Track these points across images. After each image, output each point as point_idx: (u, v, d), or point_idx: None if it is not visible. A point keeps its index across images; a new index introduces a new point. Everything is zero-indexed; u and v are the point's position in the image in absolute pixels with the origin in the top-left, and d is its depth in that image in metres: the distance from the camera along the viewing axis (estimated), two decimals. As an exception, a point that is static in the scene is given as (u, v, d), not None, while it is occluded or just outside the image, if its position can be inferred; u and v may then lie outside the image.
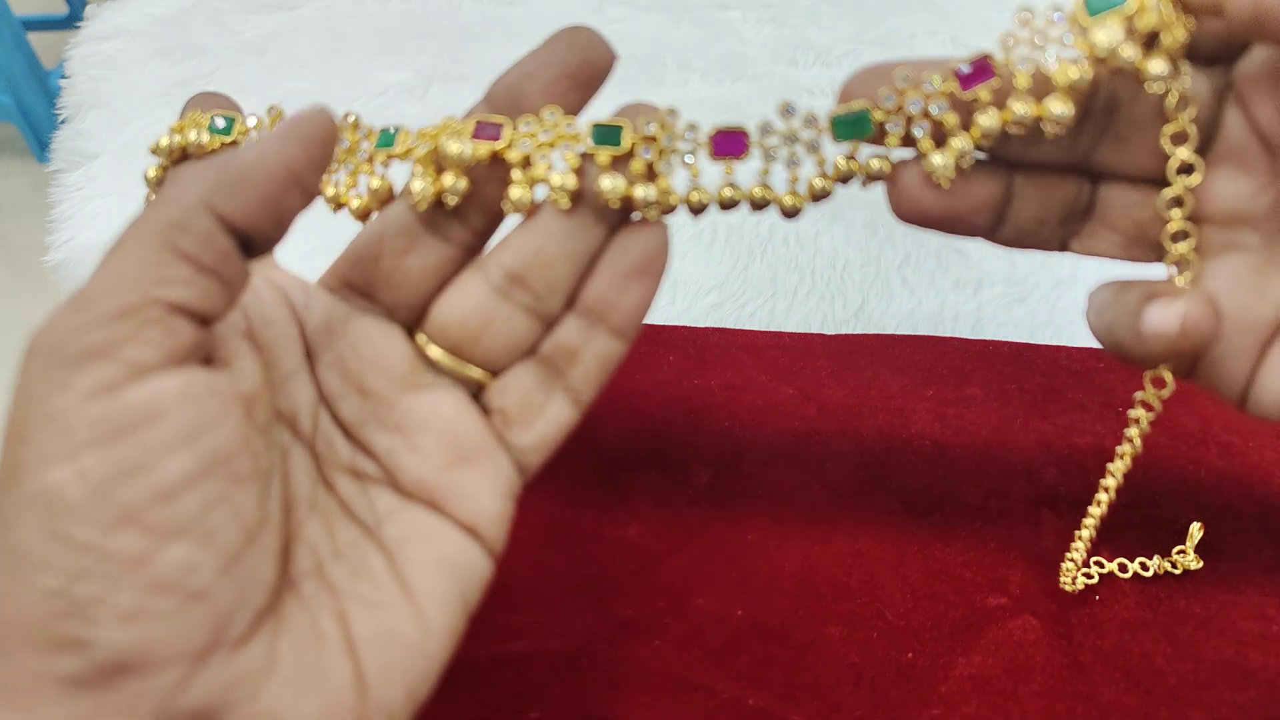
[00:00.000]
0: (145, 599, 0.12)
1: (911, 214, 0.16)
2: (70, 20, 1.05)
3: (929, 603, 0.26)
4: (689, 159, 0.16)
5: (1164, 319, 0.16)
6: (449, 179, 0.15)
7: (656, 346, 0.33)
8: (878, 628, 0.26)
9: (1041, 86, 0.15)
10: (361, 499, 0.15)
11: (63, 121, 0.44)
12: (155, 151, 0.18)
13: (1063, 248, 0.18)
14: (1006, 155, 0.16)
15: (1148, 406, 0.20)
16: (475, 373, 0.16)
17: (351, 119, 0.17)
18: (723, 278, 0.37)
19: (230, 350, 0.14)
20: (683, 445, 0.30)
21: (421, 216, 0.16)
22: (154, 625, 0.12)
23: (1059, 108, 0.15)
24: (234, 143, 0.17)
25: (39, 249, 0.39)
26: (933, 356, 0.33)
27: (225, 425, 0.13)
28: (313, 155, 0.13)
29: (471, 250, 0.16)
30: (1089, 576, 0.27)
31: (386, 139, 0.16)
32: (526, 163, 0.16)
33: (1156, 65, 0.15)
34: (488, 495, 0.16)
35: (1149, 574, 0.27)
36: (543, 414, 0.16)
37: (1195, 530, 0.27)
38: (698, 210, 0.16)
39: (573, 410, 0.16)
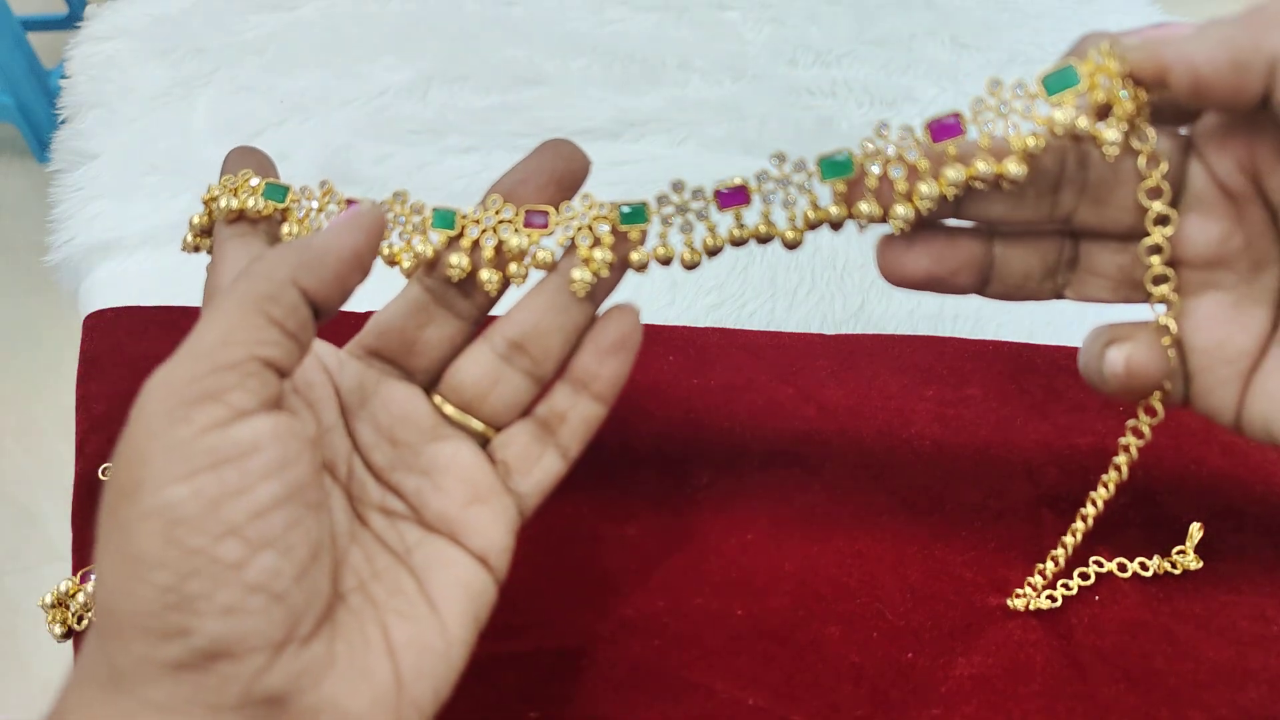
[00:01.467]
0: (240, 597, 0.14)
1: (899, 278, 0.19)
2: (70, 20, 1.05)
3: (929, 602, 0.26)
4: (700, 218, 0.19)
5: (1113, 361, 0.19)
6: (513, 267, 0.19)
7: (656, 346, 0.33)
8: (878, 627, 0.26)
9: (1003, 149, 0.17)
10: (392, 532, 0.18)
11: (63, 121, 0.44)
12: (206, 202, 0.21)
13: (1057, 296, 0.20)
14: (990, 220, 0.19)
15: (1138, 434, 0.21)
16: (479, 426, 0.20)
17: (405, 195, 0.20)
18: (722, 278, 0.37)
19: (296, 403, 0.17)
20: (683, 445, 0.30)
21: (434, 296, 0.19)
22: (245, 619, 0.14)
23: (1014, 168, 0.17)
24: (286, 209, 0.20)
25: (39, 249, 0.39)
26: (933, 356, 0.33)
27: (302, 461, 0.16)
28: (371, 243, 0.17)
29: (475, 322, 0.20)
30: (1052, 596, 0.26)
31: (443, 220, 0.19)
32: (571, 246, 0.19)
33: (1110, 133, 0.17)
34: (497, 530, 0.19)
35: (1149, 574, 0.27)
36: (538, 464, 0.20)
37: (1195, 530, 0.27)
38: (714, 253, 0.19)
39: (562, 463, 0.20)
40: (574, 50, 0.47)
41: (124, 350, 0.33)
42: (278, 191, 0.20)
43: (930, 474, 0.29)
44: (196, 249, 0.22)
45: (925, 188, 0.18)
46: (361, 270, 0.17)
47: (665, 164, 0.42)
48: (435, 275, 0.19)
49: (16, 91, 0.95)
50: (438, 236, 0.19)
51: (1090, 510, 0.24)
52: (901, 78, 0.48)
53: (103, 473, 0.29)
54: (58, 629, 0.26)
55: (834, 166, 0.18)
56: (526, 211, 0.19)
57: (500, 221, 0.19)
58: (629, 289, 0.37)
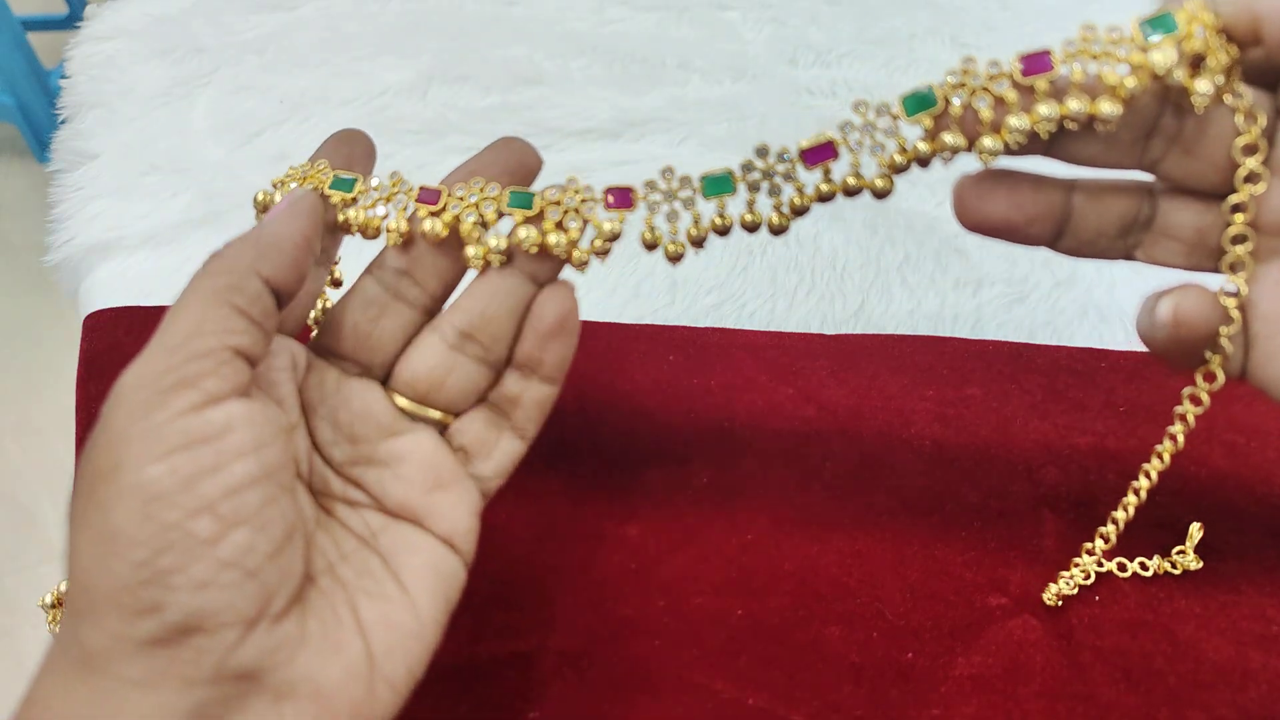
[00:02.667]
0: (213, 572, 0.15)
1: (974, 221, 0.19)
2: (70, 20, 1.05)
3: (929, 602, 0.26)
4: (685, 206, 0.19)
5: (1163, 312, 0.18)
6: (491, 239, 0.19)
7: (656, 346, 0.33)
8: (877, 627, 0.26)
9: (1096, 88, 0.17)
10: (356, 519, 0.19)
11: (63, 121, 0.44)
12: (275, 185, 0.21)
13: (1127, 257, 0.19)
14: (1080, 161, 0.18)
15: (1196, 401, 0.21)
16: (436, 415, 0.20)
17: (396, 175, 0.20)
18: (723, 278, 0.37)
19: (274, 394, 0.18)
20: (683, 445, 0.30)
21: (386, 287, 0.20)
22: (218, 594, 0.15)
23: (1109, 108, 0.17)
24: (353, 199, 0.20)
25: (39, 249, 0.39)
26: (933, 356, 0.33)
27: (276, 444, 0.16)
28: (316, 226, 0.18)
29: (429, 312, 0.20)
30: (1087, 577, 0.26)
31: (430, 195, 0.19)
32: (559, 224, 0.19)
33: (1203, 84, 0.17)
34: (460, 513, 0.19)
35: (1149, 574, 0.27)
36: (497, 448, 0.20)
37: (1195, 531, 0.27)
38: (699, 244, 0.19)
39: (520, 444, 0.20)
40: (574, 50, 0.47)
41: (124, 350, 0.33)
42: (345, 184, 0.20)
43: (930, 474, 0.29)
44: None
45: (1015, 120, 0.17)
46: (311, 253, 0.18)
47: (665, 163, 0.41)
48: (385, 266, 0.20)
49: (16, 91, 0.95)
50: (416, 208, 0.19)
51: (1144, 483, 0.23)
52: (902, 77, 0.48)
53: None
54: (57, 629, 0.26)
55: (918, 101, 0.17)
56: (510, 191, 0.19)
57: (484, 199, 0.19)
58: (629, 287, 0.37)
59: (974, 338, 0.34)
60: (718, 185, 0.19)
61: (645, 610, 0.26)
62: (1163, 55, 0.16)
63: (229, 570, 0.15)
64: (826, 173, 0.19)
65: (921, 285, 0.37)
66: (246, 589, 0.15)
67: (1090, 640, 0.26)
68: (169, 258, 0.37)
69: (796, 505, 0.29)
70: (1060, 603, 0.26)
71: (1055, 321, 0.36)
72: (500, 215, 0.19)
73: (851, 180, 0.18)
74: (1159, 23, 0.17)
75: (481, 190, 0.19)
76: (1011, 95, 0.17)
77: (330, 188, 0.20)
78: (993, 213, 0.18)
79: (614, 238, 0.19)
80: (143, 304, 0.35)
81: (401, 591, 0.18)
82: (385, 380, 0.20)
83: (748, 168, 0.19)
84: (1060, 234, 0.19)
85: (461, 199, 0.19)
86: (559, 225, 0.19)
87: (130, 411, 0.15)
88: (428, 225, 0.19)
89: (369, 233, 0.19)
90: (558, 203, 0.19)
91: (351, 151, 0.21)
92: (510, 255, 0.19)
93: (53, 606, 0.26)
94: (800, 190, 0.19)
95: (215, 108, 0.43)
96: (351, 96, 0.44)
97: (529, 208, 0.19)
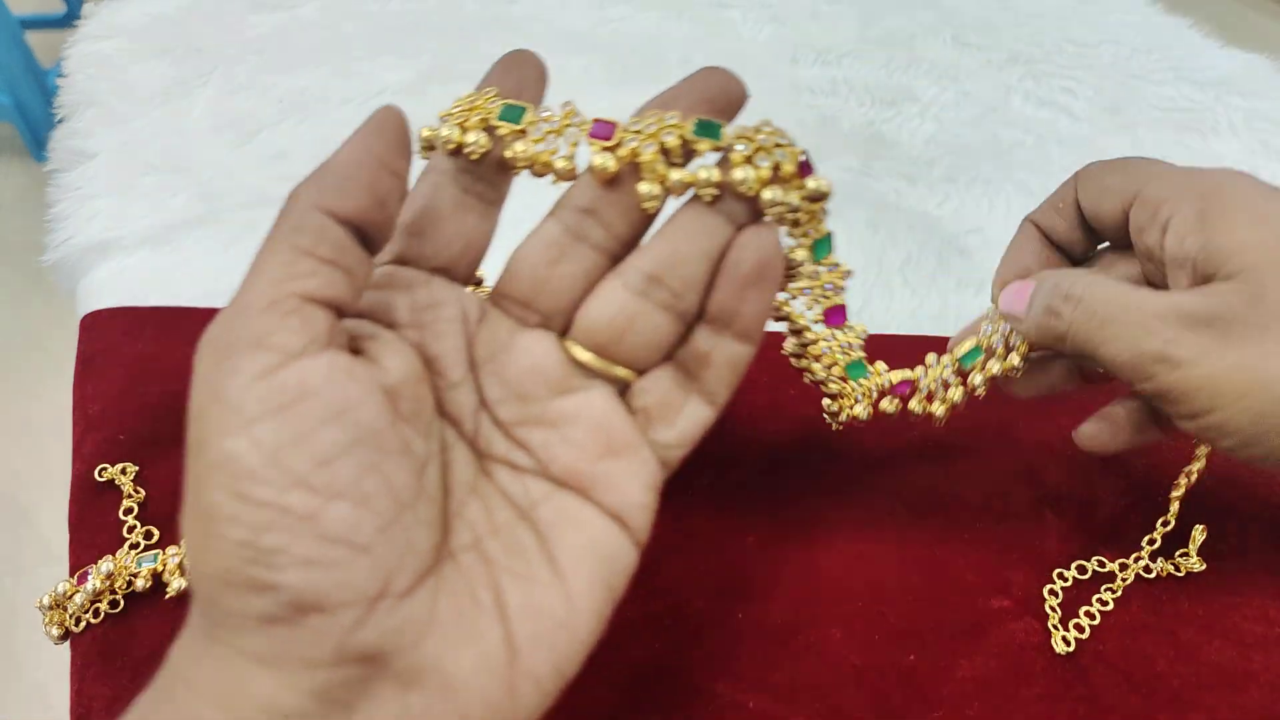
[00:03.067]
0: (319, 549, 0.13)
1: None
2: (68, 19, 1.05)
3: (931, 604, 0.26)
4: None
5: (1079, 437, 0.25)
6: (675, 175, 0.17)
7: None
8: (879, 629, 0.26)
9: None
10: (517, 485, 0.17)
11: (60, 121, 0.43)
12: (442, 117, 0.18)
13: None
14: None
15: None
16: (621, 372, 0.18)
17: (569, 105, 0.18)
18: (723, 278, 0.37)
19: (377, 351, 0.16)
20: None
21: (570, 228, 0.17)
22: (329, 572, 0.14)
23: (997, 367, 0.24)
24: (522, 131, 0.18)
25: (36, 248, 0.39)
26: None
27: (368, 405, 0.15)
28: (391, 143, 0.16)
29: (615, 258, 0.18)
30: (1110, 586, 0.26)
31: (602, 129, 0.18)
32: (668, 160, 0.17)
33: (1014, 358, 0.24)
34: (634, 485, 0.17)
35: (1151, 576, 0.27)
36: (682, 413, 0.18)
37: (1198, 533, 0.27)
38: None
39: (709, 410, 0.18)
40: (574, 48, 0.47)
41: (121, 351, 0.32)
42: (514, 113, 0.18)
43: (932, 475, 0.29)
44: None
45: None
46: (390, 173, 0.16)
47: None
48: (569, 206, 0.17)
49: (14, 90, 0.95)
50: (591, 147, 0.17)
51: (1196, 466, 0.26)
52: (903, 76, 0.48)
53: (99, 473, 0.29)
54: (55, 630, 0.25)
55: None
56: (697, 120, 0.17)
57: (665, 128, 0.17)
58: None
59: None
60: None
61: (645, 612, 0.26)
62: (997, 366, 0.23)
63: (337, 547, 0.14)
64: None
65: (924, 285, 0.37)
66: (359, 565, 0.14)
67: (1092, 642, 0.26)
68: (167, 258, 0.37)
69: (798, 507, 0.28)
70: (1059, 611, 0.26)
71: (1057, 322, 0.35)
72: (684, 144, 0.17)
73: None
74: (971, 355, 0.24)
75: (661, 120, 0.17)
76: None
77: (498, 118, 0.17)
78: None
79: (819, 197, 0.17)
80: (140, 304, 0.34)
81: (554, 574, 0.16)
82: (564, 334, 0.18)
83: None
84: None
85: (639, 132, 0.17)
86: (750, 159, 0.16)
87: (204, 381, 0.14)
88: (598, 160, 0.17)
89: (536, 169, 0.18)
90: (750, 139, 0.17)
91: (522, 75, 0.18)
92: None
93: (51, 608, 0.26)
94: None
95: (214, 107, 0.43)
96: (350, 96, 0.44)
97: (716, 138, 0.16)
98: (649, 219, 0.18)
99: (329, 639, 0.14)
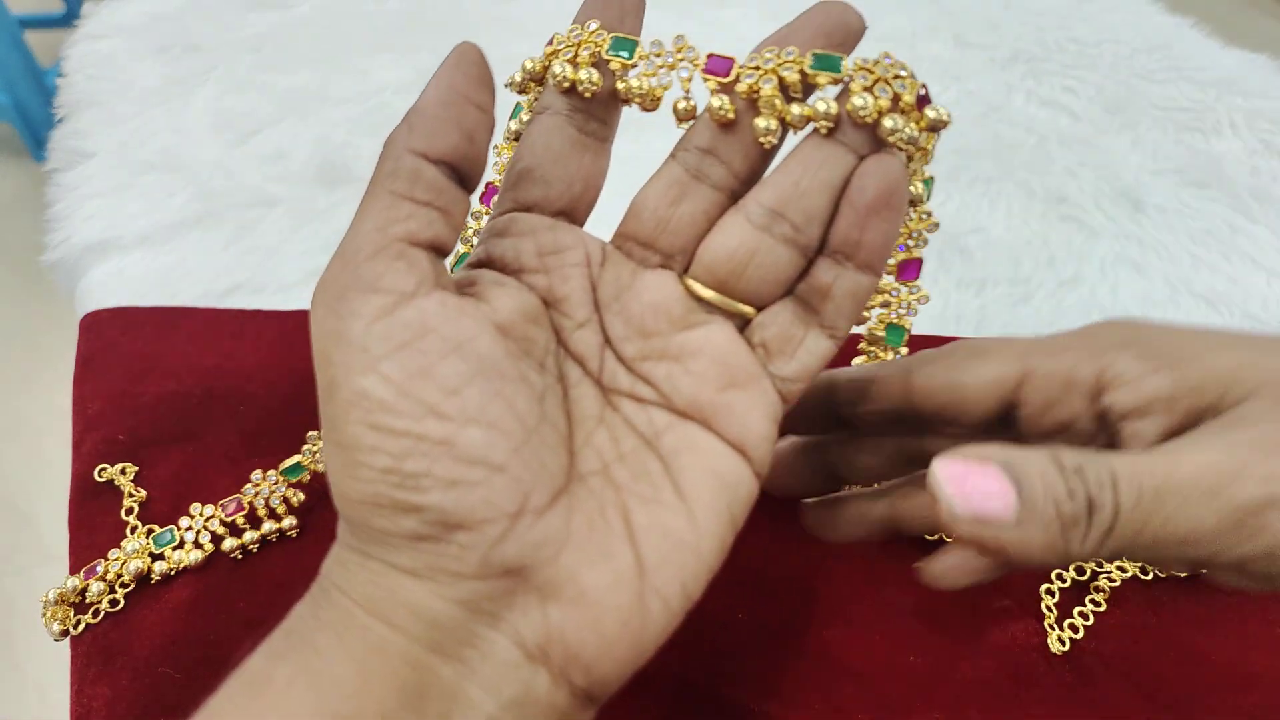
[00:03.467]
0: (460, 470, 0.14)
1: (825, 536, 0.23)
2: (67, 19, 1.05)
3: (932, 605, 0.26)
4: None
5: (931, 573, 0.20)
6: (795, 109, 0.17)
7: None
8: (881, 630, 0.26)
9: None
10: (642, 416, 0.17)
11: (59, 120, 0.43)
12: (549, 54, 0.18)
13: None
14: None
15: None
16: (742, 308, 0.18)
17: (680, 40, 0.18)
18: (723, 277, 0.36)
19: (488, 292, 0.17)
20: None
21: (690, 168, 0.18)
22: (471, 491, 0.14)
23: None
24: (634, 64, 0.17)
25: (35, 248, 0.39)
26: (935, 357, 0.33)
27: (483, 338, 0.15)
28: (474, 78, 0.16)
29: (735, 195, 0.18)
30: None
31: (718, 63, 0.17)
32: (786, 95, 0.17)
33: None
34: (755, 416, 0.17)
35: (1148, 577, 0.27)
36: (802, 346, 0.18)
37: None
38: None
39: (830, 342, 0.18)
40: (574, 48, 0.47)
41: (120, 350, 0.32)
42: (626, 45, 0.17)
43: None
44: (523, 91, 0.19)
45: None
46: (475, 105, 0.16)
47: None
48: (690, 146, 0.18)
49: (13, 90, 0.95)
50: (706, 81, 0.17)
51: None
52: (903, 76, 0.48)
53: (99, 473, 0.29)
54: (56, 627, 0.25)
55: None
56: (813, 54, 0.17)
57: (783, 63, 0.17)
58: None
59: (978, 338, 0.34)
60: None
61: (646, 613, 0.26)
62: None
63: (475, 468, 0.14)
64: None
65: (925, 285, 0.37)
66: (497, 484, 0.15)
67: (1093, 645, 0.25)
68: (165, 257, 0.37)
69: (798, 507, 0.28)
70: (1054, 611, 0.26)
71: (1059, 322, 0.35)
72: (803, 78, 0.16)
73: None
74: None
75: (779, 55, 0.17)
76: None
77: (609, 51, 0.17)
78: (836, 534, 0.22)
79: (938, 126, 0.17)
80: (139, 303, 0.34)
81: (679, 498, 0.16)
82: (685, 272, 0.18)
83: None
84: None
85: (757, 68, 0.17)
86: (869, 89, 0.16)
87: (325, 327, 0.15)
88: (716, 103, 0.17)
89: (648, 104, 0.18)
90: (870, 70, 0.16)
91: (623, 5, 0.18)
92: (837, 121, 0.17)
93: (55, 604, 0.26)
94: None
95: (212, 106, 0.43)
96: (349, 94, 0.44)
97: (836, 70, 0.16)
98: (769, 155, 0.18)
99: (474, 553, 0.14)
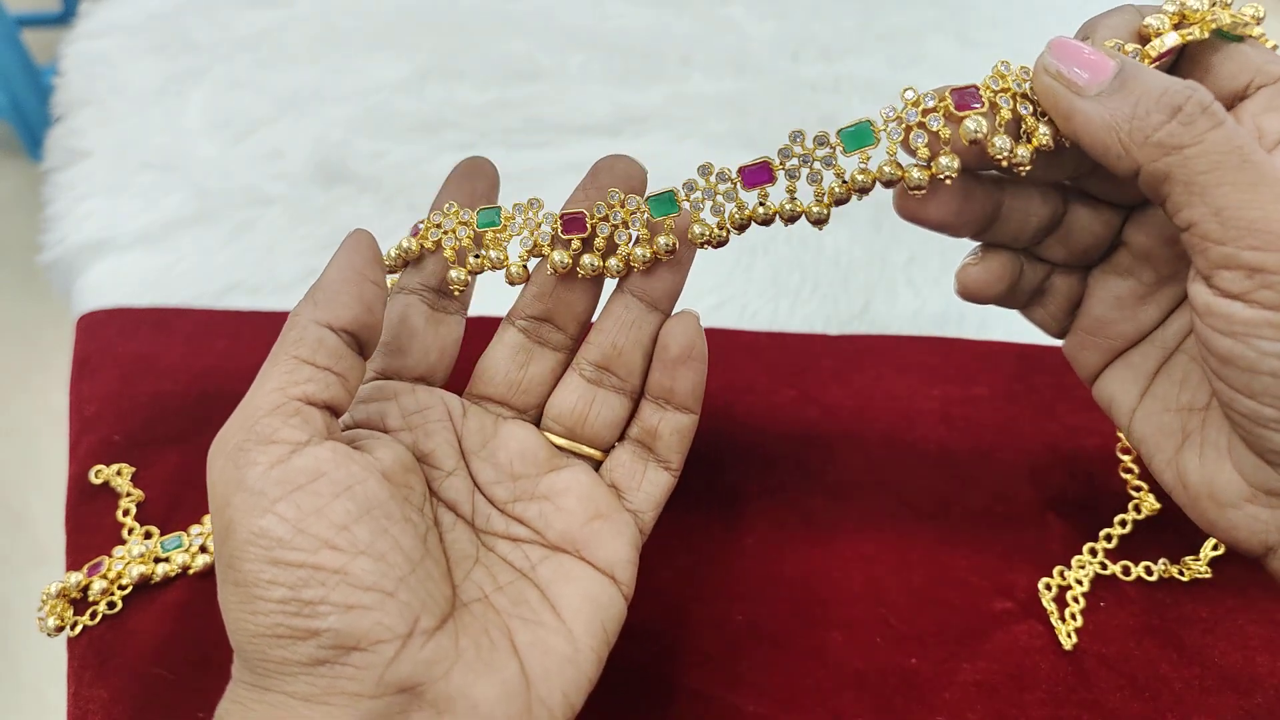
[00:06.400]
0: (354, 595, 0.16)
1: (911, 215, 0.20)
2: (64, 17, 1.04)
3: (933, 607, 0.26)
4: (729, 199, 0.19)
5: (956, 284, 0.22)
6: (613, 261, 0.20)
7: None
8: (881, 633, 0.25)
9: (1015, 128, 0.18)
10: (517, 553, 0.20)
11: (56, 119, 0.43)
12: (420, 239, 0.21)
13: (1022, 306, 0.22)
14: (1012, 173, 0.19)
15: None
16: (587, 450, 0.21)
17: (535, 201, 0.21)
18: (724, 277, 0.36)
19: (369, 444, 0.19)
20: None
21: (529, 334, 0.21)
22: (365, 615, 0.16)
23: (1023, 151, 0.18)
24: (503, 228, 0.20)
25: (31, 248, 0.39)
26: (938, 357, 0.33)
27: (369, 482, 0.17)
28: (368, 258, 0.19)
29: (571, 352, 0.21)
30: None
31: (489, 218, 0.20)
32: (609, 245, 0.20)
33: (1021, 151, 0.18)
34: (620, 543, 0.20)
35: (1153, 579, 0.26)
36: (645, 479, 0.21)
37: (1209, 547, 0.27)
38: (742, 227, 0.19)
39: (667, 475, 0.21)
40: (573, 45, 0.47)
41: (116, 351, 0.32)
42: (492, 216, 0.20)
43: (935, 477, 0.29)
44: (393, 270, 0.22)
45: (945, 160, 0.18)
46: (371, 282, 0.18)
47: (666, 161, 0.41)
48: (527, 314, 0.21)
49: (9, 89, 0.95)
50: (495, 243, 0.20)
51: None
52: (906, 73, 0.47)
53: (95, 475, 0.29)
54: (52, 622, 0.25)
55: (856, 137, 0.18)
56: (563, 218, 0.20)
57: (630, 213, 0.19)
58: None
59: (980, 339, 0.34)
60: (661, 205, 0.19)
61: (644, 615, 0.26)
62: (1001, 141, 0.18)
63: (369, 593, 0.16)
64: (764, 197, 0.19)
65: (927, 285, 0.37)
66: (390, 607, 0.16)
67: (1095, 647, 0.25)
68: (162, 256, 0.36)
69: (798, 509, 0.28)
70: (1054, 606, 0.26)
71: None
72: (626, 227, 0.19)
73: (788, 206, 0.19)
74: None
75: (624, 208, 0.19)
76: (945, 132, 0.18)
77: (480, 226, 0.20)
78: (931, 213, 0.20)
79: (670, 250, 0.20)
80: (135, 303, 0.34)
81: (557, 619, 0.18)
82: (539, 421, 0.21)
83: (690, 186, 0.19)
84: (987, 229, 0.20)
85: (606, 219, 0.19)
86: (608, 239, 0.19)
87: (224, 476, 0.16)
88: (557, 257, 0.20)
89: (513, 277, 0.20)
90: (605, 218, 0.19)
91: (475, 187, 0.21)
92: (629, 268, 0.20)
93: (56, 597, 0.25)
94: (741, 208, 0.19)
95: (209, 105, 0.43)
96: (347, 93, 0.44)
97: (673, 209, 0.19)
98: (591, 310, 0.21)
99: (370, 673, 0.16)
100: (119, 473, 0.28)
